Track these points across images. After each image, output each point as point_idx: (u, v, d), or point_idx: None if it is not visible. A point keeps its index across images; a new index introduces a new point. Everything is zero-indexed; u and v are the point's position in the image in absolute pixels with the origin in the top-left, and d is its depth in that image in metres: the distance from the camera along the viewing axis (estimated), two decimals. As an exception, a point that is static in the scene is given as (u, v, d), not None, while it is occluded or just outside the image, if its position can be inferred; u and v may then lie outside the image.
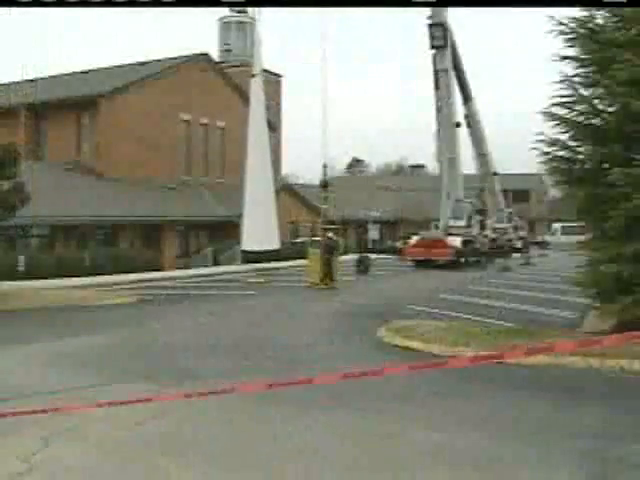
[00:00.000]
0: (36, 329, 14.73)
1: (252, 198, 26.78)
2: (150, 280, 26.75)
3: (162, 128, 39.88)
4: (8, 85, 45.10)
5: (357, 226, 53.32)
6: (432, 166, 70.78)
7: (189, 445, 6.53)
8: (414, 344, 12.15)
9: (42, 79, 45.20)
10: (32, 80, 44.55)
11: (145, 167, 38.33)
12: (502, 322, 14.85)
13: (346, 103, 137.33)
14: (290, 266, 33.94)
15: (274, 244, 27.10)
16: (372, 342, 12.93)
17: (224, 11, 51.86)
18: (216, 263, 35.00)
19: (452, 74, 36.98)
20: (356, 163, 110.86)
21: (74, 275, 26.50)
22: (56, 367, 10.50)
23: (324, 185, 28.32)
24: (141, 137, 38.28)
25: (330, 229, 27.30)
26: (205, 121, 43.35)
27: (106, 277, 26.94)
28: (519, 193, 71.69)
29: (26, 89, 41.61)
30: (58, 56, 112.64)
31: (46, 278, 25.38)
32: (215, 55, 48.90)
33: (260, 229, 26.43)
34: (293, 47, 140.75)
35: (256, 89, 27.77)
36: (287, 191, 44.82)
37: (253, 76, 27.99)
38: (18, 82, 45.00)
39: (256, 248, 27.83)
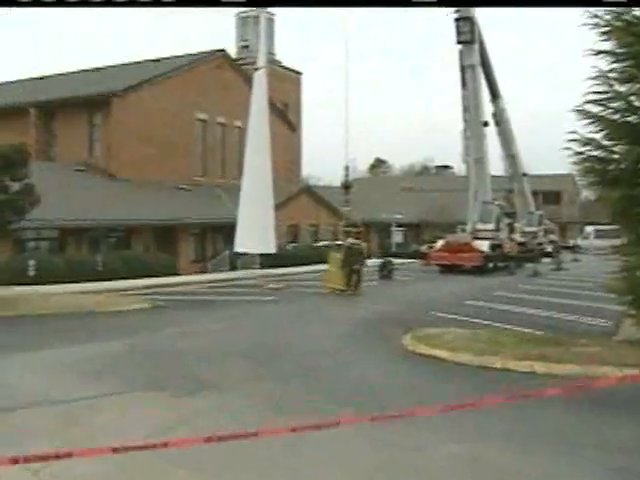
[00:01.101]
0: (47, 335, 14.78)
1: (248, 197, 26.86)
2: (165, 285, 26.68)
3: (177, 128, 40.00)
4: (22, 82, 45.59)
5: (380, 229, 53.17)
6: (459, 167, 70.49)
7: (203, 455, 6.52)
8: (439, 352, 12.10)
9: (52, 77, 45.42)
10: (42, 78, 44.84)
11: (159, 168, 38.40)
12: (531, 330, 14.73)
13: (369, 102, 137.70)
14: (311, 271, 33.97)
15: (270, 247, 27.19)
16: (395, 350, 12.90)
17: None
18: (233, 267, 35.04)
19: (479, 70, 36.74)
20: (379, 164, 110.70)
21: (86, 280, 26.41)
22: (67, 374, 10.51)
23: (346, 187, 28.38)
24: (155, 137, 38.39)
25: (353, 232, 27.27)
26: (222, 120, 43.44)
27: (119, 282, 26.70)
28: (550, 195, 71.18)
29: (37, 87, 41.63)
30: (59, 56, 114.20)
31: (57, 283, 25.12)
32: (232, 52, 49.15)
33: (255, 230, 26.48)
34: (314, 46, 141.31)
35: (259, 83, 27.79)
36: (307, 193, 45.05)
37: (256, 69, 28.09)
38: (28, 80, 45.45)
39: (250, 251, 27.85)
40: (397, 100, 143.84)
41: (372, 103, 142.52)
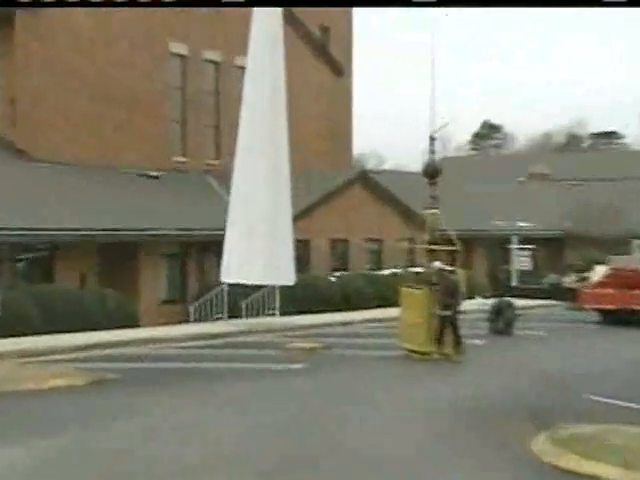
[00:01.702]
0: None
1: (245, 191, 28.00)
2: (115, 344, 26.52)
3: (137, 70, 40.09)
4: None
5: (490, 248, 52.71)
6: (636, 135, 69.33)
7: None
8: (602, 469, 11.77)
9: None
10: None
11: (107, 142, 38.46)
12: None
13: (470, 31, 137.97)
14: (370, 319, 33.73)
15: (283, 277, 28.16)
16: (520, 461, 12.75)
17: None
18: (235, 313, 34.42)
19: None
20: (488, 132, 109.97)
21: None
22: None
23: (431, 173, 27.76)
24: (97, 86, 38.36)
25: (445, 253, 26.93)
26: (214, 57, 43.76)
27: (33, 339, 26.30)
28: None
29: None
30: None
31: None
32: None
33: (257, 248, 27.57)
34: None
35: None
36: (363, 184, 44.61)
37: None
38: None
39: (247, 281, 28.75)
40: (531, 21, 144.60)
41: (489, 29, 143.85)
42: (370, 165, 65.37)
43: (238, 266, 28.94)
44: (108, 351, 25.47)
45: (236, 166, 29.39)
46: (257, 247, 28.10)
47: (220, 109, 44.08)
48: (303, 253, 36.54)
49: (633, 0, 11.06)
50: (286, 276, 29.04)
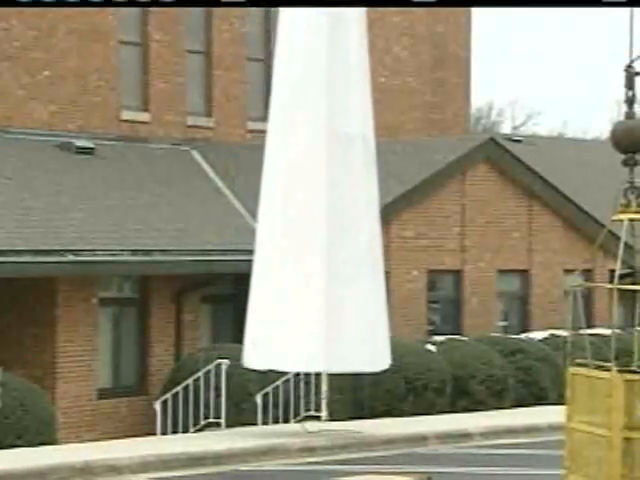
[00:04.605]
0: None
1: (293, 180, 21.80)
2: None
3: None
4: None
5: None
6: None
7: None
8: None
9: None
10: None
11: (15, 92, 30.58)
12: None
13: None
14: (497, 429, 24.17)
15: (372, 357, 21.64)
16: None
17: None
18: (239, 414, 25.39)
19: None
20: None
21: None
22: None
23: (634, 144, 17.90)
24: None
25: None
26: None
27: None
28: None
29: None
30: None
31: None
32: None
33: (315, 294, 21.28)
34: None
35: None
36: (491, 161, 34.74)
37: None
38: None
39: (298, 366, 22.71)
40: None
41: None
42: (505, 128, 58.98)
43: (278, 337, 21.00)
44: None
45: (265, 162, 21.61)
46: (314, 294, 20.46)
47: (213, 25, 34.16)
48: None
49: (633, 0, 11.87)
50: (375, 354, 21.19)
